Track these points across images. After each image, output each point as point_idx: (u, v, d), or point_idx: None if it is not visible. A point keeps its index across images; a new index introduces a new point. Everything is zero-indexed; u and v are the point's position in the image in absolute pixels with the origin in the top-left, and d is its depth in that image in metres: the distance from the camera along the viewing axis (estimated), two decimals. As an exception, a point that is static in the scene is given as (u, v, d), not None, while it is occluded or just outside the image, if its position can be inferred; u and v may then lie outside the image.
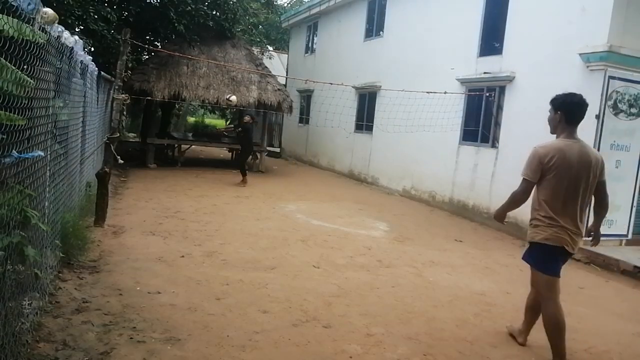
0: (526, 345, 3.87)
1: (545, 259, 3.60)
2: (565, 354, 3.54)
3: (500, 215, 3.88)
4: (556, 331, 3.52)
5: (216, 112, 29.07)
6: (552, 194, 3.51)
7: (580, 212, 3.56)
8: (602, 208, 3.77)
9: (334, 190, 11.84)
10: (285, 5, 28.17)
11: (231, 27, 13.97)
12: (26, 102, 2.69)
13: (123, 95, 6.72)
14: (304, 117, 17.37)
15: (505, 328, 4.15)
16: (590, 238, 3.90)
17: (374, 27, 13.89)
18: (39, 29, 2.97)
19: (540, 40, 8.20)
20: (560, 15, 7.86)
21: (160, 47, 13.55)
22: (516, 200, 3.68)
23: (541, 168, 3.50)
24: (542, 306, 3.64)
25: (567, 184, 3.48)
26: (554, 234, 3.50)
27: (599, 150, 7.12)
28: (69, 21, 8.60)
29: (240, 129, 11.86)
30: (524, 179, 3.60)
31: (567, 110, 3.56)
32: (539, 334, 4.18)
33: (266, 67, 14.73)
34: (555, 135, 3.68)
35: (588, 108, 3.63)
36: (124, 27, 7.16)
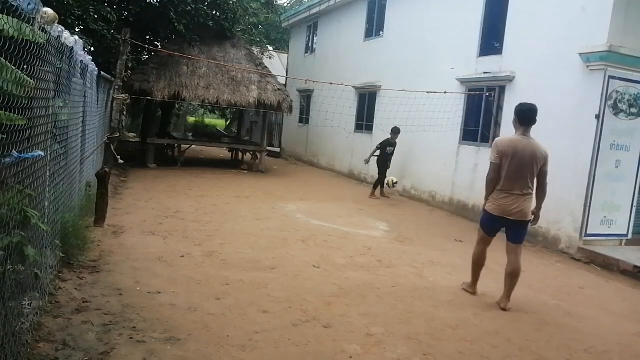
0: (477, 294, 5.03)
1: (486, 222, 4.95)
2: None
3: (484, 206, 4.92)
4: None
5: (216, 112, 29.10)
6: (504, 176, 4.65)
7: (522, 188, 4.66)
8: (541, 193, 4.80)
9: (334, 190, 11.84)
10: (285, 5, 28.17)
11: (231, 27, 13.96)
12: (26, 102, 2.68)
13: (123, 95, 6.72)
14: (304, 117, 17.37)
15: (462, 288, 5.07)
16: (532, 219, 4.88)
17: (374, 27, 13.89)
18: (39, 29, 2.96)
19: (540, 40, 8.19)
20: (560, 15, 7.86)
21: (160, 47, 13.55)
22: (488, 181, 4.81)
23: (499, 154, 4.66)
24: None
25: (514, 167, 4.60)
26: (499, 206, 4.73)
27: (598, 149, 7.14)
28: (69, 21, 8.60)
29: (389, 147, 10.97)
30: (491, 162, 4.77)
31: (518, 115, 4.79)
32: (538, 333, 4.19)
33: (266, 67, 14.73)
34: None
35: (537, 113, 4.73)
36: (124, 27, 7.15)
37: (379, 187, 11.08)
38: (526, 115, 4.74)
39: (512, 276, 4.75)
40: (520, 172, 4.60)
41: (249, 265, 5.25)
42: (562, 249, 7.48)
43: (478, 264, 5.05)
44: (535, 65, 8.25)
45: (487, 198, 4.84)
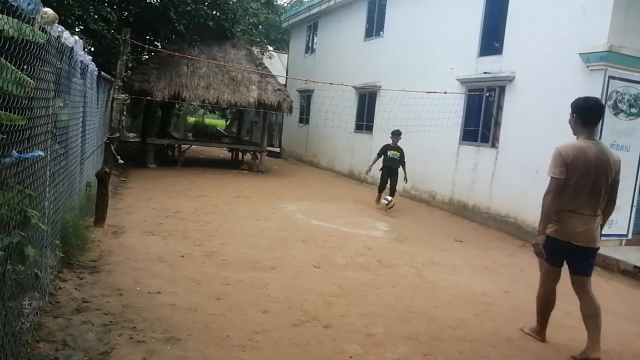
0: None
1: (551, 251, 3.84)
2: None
3: (541, 232, 3.80)
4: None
5: (216, 112, 29.11)
6: (573, 192, 3.70)
7: (597, 208, 3.78)
8: (611, 205, 3.90)
9: (334, 190, 11.85)
10: (285, 5, 28.18)
11: (231, 27, 13.98)
12: (26, 102, 2.68)
13: (123, 95, 6.72)
14: (304, 117, 17.37)
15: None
16: None
17: (374, 27, 13.89)
18: (39, 29, 2.96)
19: (540, 40, 8.19)
20: (560, 15, 7.86)
21: (160, 47, 13.55)
22: (548, 201, 3.72)
23: (565, 166, 3.66)
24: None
25: (586, 182, 3.67)
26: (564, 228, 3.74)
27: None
28: (69, 21, 8.60)
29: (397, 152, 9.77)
30: (552, 177, 3.71)
31: (581, 113, 3.75)
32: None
33: (266, 67, 14.74)
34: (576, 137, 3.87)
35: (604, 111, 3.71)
36: (124, 27, 7.15)
37: (394, 192, 9.93)
38: (593, 113, 3.74)
39: (593, 316, 3.77)
40: (594, 187, 3.68)
41: (249, 265, 5.25)
42: (562, 249, 7.47)
43: (547, 306, 4.03)
44: (536, 65, 8.24)
45: (546, 224, 3.78)
